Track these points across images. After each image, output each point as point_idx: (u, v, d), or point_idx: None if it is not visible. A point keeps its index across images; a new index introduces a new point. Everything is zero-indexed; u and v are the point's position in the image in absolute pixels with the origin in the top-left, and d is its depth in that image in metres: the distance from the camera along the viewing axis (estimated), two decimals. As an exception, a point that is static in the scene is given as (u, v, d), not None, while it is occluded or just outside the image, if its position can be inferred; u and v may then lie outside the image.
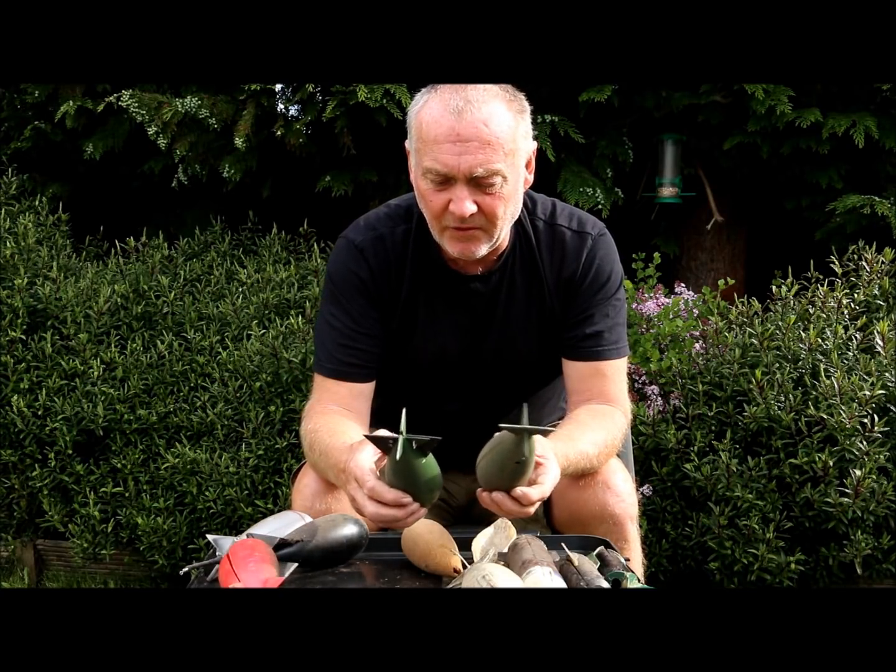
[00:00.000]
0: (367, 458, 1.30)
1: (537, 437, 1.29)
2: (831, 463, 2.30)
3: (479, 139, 1.41)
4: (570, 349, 1.63)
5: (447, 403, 1.68)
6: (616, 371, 1.63)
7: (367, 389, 1.62)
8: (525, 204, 1.61)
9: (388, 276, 1.60)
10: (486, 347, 1.64)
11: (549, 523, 1.66)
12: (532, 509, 1.31)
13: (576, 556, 1.29)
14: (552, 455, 1.35)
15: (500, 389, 1.68)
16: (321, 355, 1.63)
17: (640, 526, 1.64)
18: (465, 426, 1.60)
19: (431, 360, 1.64)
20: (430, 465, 1.23)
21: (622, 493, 1.55)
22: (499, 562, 1.29)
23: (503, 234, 1.53)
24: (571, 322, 1.61)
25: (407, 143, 1.54)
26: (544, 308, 1.62)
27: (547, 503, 1.64)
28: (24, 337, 2.84)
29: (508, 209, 1.49)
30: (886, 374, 2.43)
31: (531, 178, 1.55)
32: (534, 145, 1.53)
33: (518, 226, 1.60)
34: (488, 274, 1.60)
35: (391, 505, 1.25)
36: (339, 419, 1.55)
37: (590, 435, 1.51)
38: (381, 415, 1.68)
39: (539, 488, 1.29)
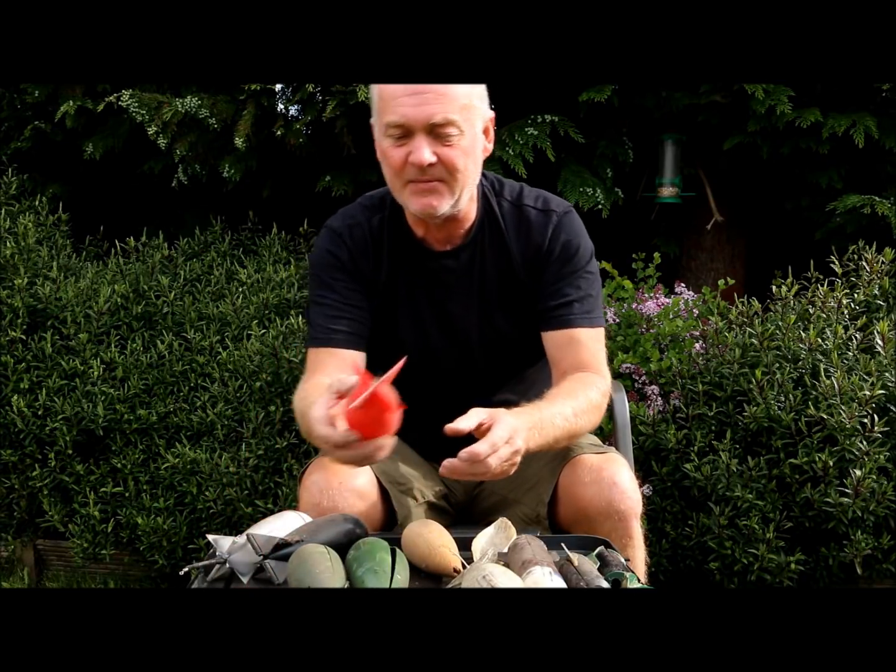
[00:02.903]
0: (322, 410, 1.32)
1: (484, 411, 1.37)
2: (831, 463, 2.30)
3: (434, 91, 1.49)
4: (543, 321, 1.68)
5: (436, 389, 1.71)
6: (591, 339, 1.67)
7: (357, 358, 1.64)
8: (493, 185, 1.70)
9: (367, 259, 1.68)
10: (466, 324, 1.69)
11: (553, 520, 1.67)
12: (493, 463, 1.32)
13: (576, 556, 1.29)
14: (498, 413, 1.37)
15: (486, 370, 1.72)
16: (312, 332, 1.69)
17: (641, 526, 1.65)
18: (456, 411, 1.60)
19: (414, 338, 1.69)
20: None
21: (628, 490, 1.56)
22: (499, 562, 1.29)
23: (465, 195, 1.59)
24: (542, 295, 1.67)
25: (371, 119, 1.60)
26: (515, 282, 1.68)
27: (552, 500, 1.65)
28: (24, 337, 2.84)
29: (468, 164, 1.55)
30: (886, 374, 2.43)
31: (490, 146, 1.62)
32: (491, 114, 1.60)
33: (485, 204, 1.68)
34: (457, 250, 1.67)
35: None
36: (321, 381, 1.56)
37: (563, 398, 1.54)
38: None
39: (486, 441, 1.32)
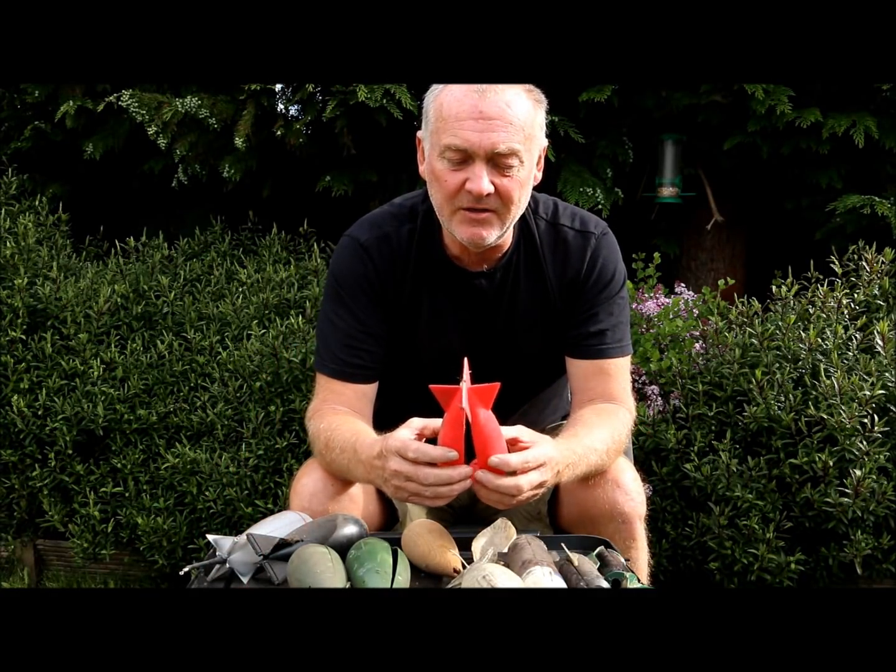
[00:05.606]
0: (406, 432, 1.32)
1: (529, 433, 1.34)
2: (831, 463, 2.29)
3: (501, 118, 1.42)
4: (574, 347, 1.63)
5: None
6: (620, 369, 1.64)
7: (370, 391, 1.62)
8: (528, 203, 1.62)
9: (393, 275, 1.60)
10: (490, 345, 1.64)
11: (555, 522, 1.66)
12: (524, 484, 1.29)
13: (576, 556, 1.29)
14: (542, 439, 1.36)
15: (503, 388, 1.68)
16: (325, 355, 1.63)
17: (644, 528, 1.64)
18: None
19: (435, 358, 1.64)
20: None
21: (632, 492, 1.55)
22: (499, 562, 1.29)
23: (511, 225, 1.54)
24: (576, 321, 1.62)
25: (420, 133, 1.55)
26: (548, 307, 1.63)
27: (555, 501, 1.64)
28: (24, 337, 2.84)
29: (522, 196, 1.50)
30: (886, 374, 2.43)
31: (539, 175, 1.56)
32: (546, 142, 1.54)
33: (522, 224, 1.61)
34: (492, 271, 1.61)
35: (439, 462, 1.27)
36: (355, 419, 1.56)
37: (596, 433, 1.51)
38: (384, 415, 1.68)
39: (520, 455, 1.29)
